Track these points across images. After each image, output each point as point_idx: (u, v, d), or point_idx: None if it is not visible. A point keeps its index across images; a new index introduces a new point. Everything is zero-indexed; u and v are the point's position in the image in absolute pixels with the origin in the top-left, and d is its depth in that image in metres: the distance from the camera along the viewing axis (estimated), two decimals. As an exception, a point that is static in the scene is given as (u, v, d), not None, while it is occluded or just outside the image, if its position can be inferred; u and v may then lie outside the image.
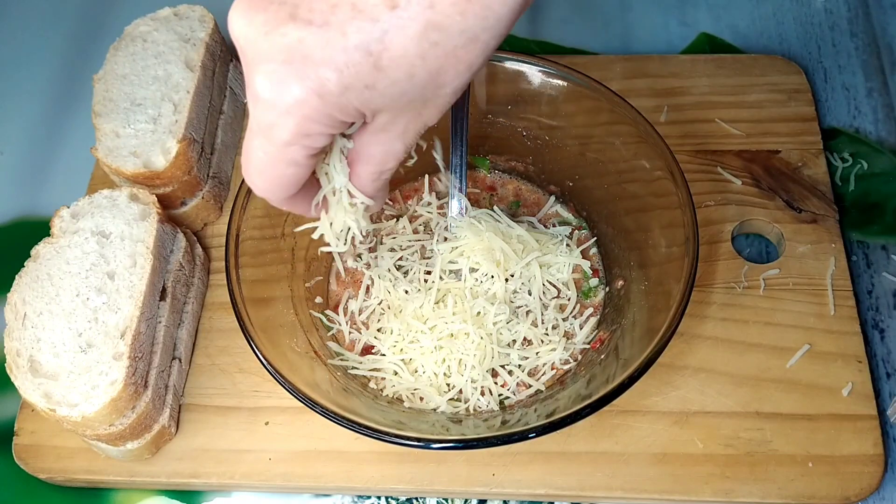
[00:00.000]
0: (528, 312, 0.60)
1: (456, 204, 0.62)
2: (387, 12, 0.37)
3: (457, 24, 0.37)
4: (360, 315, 0.61)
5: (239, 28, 0.39)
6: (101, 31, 0.83)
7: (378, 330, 0.60)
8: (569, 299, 0.61)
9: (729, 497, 0.56)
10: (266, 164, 0.42)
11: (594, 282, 0.63)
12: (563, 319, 0.61)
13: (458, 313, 0.58)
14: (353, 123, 0.42)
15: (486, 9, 0.37)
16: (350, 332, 0.61)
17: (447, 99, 0.41)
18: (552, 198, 0.67)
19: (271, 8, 0.38)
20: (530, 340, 0.59)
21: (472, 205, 0.63)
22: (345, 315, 0.62)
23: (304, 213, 0.49)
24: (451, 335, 0.58)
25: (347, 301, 0.63)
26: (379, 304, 0.61)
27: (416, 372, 0.58)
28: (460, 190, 0.61)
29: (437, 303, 0.59)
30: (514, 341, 0.59)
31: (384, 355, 0.59)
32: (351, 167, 0.46)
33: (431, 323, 0.58)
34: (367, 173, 0.46)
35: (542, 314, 0.60)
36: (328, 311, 0.62)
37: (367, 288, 0.62)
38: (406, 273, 0.62)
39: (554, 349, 0.59)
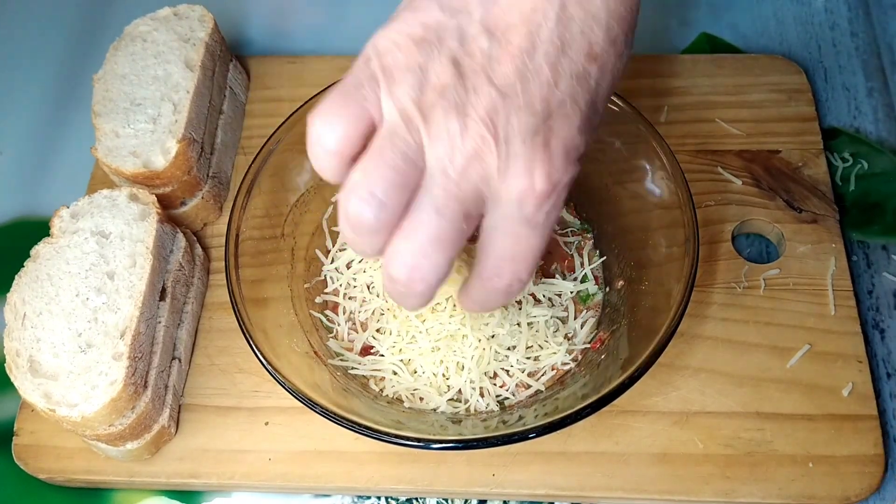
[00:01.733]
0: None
1: None
2: (595, 69, 0.41)
3: (623, 40, 0.42)
4: (359, 315, 0.61)
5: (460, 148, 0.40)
6: (101, 31, 0.83)
7: (377, 330, 0.60)
8: (565, 309, 0.61)
9: (729, 497, 0.55)
10: (539, 250, 0.43)
11: (593, 289, 0.62)
12: (563, 322, 0.61)
13: (456, 315, 0.58)
14: None
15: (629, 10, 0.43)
16: (349, 333, 0.61)
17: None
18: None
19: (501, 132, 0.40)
20: (529, 344, 0.59)
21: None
22: (344, 315, 0.62)
23: None
24: (450, 336, 0.58)
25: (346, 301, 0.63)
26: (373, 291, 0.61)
27: (416, 372, 0.58)
28: None
29: (435, 303, 0.59)
30: (514, 347, 0.59)
31: (383, 356, 0.59)
32: None
33: (429, 324, 0.58)
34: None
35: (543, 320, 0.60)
36: (328, 312, 0.62)
37: (368, 287, 0.62)
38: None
39: (555, 353, 0.59)
